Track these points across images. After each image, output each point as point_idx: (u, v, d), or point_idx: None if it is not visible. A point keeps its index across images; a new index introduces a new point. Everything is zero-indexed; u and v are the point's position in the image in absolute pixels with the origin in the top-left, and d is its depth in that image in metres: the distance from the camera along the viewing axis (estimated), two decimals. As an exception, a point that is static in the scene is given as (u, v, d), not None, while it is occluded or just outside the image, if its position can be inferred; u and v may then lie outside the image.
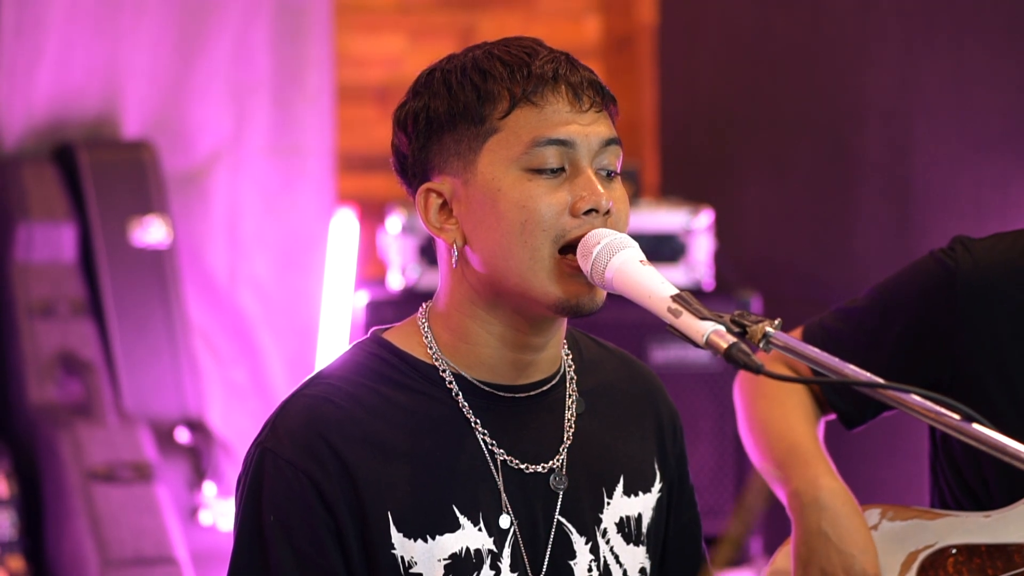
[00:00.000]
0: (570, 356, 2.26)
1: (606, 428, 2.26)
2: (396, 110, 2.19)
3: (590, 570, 2.19)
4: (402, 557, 2.10)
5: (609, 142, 2.14)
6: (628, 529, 2.24)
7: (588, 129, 2.12)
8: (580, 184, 2.11)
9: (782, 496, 2.62)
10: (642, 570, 2.25)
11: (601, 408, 2.26)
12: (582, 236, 2.10)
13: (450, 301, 2.18)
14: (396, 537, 2.09)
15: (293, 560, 2.09)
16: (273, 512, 2.09)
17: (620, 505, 2.24)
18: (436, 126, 2.14)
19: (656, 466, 2.30)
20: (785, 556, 2.68)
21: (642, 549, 2.25)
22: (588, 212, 2.10)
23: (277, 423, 2.14)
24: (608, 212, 2.11)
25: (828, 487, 2.56)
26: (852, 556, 2.52)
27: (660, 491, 2.29)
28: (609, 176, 2.14)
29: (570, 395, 2.23)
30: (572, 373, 2.25)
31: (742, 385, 2.78)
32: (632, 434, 2.28)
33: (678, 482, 2.33)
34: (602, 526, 2.21)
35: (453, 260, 2.16)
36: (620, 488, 2.24)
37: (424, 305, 2.22)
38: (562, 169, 2.12)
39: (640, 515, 2.26)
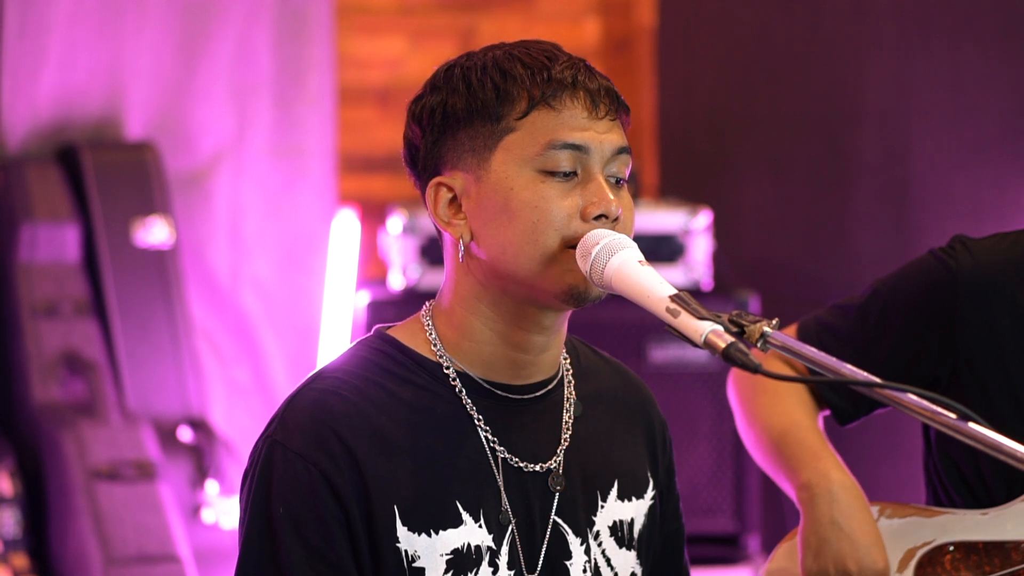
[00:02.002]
0: (568, 361, 2.28)
1: (602, 433, 2.28)
2: (411, 103, 2.21)
3: (584, 571, 2.21)
4: (406, 551, 2.11)
5: (621, 151, 2.16)
6: (621, 533, 2.26)
7: (602, 137, 2.15)
8: (591, 190, 2.13)
9: (789, 489, 2.64)
10: (632, 574, 2.27)
11: (597, 414, 2.28)
12: None
13: (454, 297, 2.20)
14: (401, 531, 2.11)
15: (303, 552, 2.09)
16: (282, 504, 2.10)
17: (614, 509, 2.26)
18: (452, 121, 2.16)
19: (649, 474, 2.32)
20: (783, 554, 2.69)
21: (633, 554, 2.27)
22: (598, 218, 2.12)
23: (286, 416, 2.15)
24: (617, 219, 2.13)
25: (839, 479, 2.58)
26: (863, 547, 2.53)
27: (652, 498, 2.31)
28: (617, 183, 2.17)
29: (568, 398, 2.25)
30: (570, 377, 2.27)
31: (738, 383, 2.79)
32: (626, 441, 2.30)
33: (666, 491, 2.35)
34: (595, 528, 2.23)
35: (460, 255, 2.18)
36: (614, 492, 2.26)
37: (428, 303, 2.24)
38: (574, 173, 2.14)
39: (632, 520, 2.28)
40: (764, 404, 2.72)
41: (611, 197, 2.13)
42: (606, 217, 2.12)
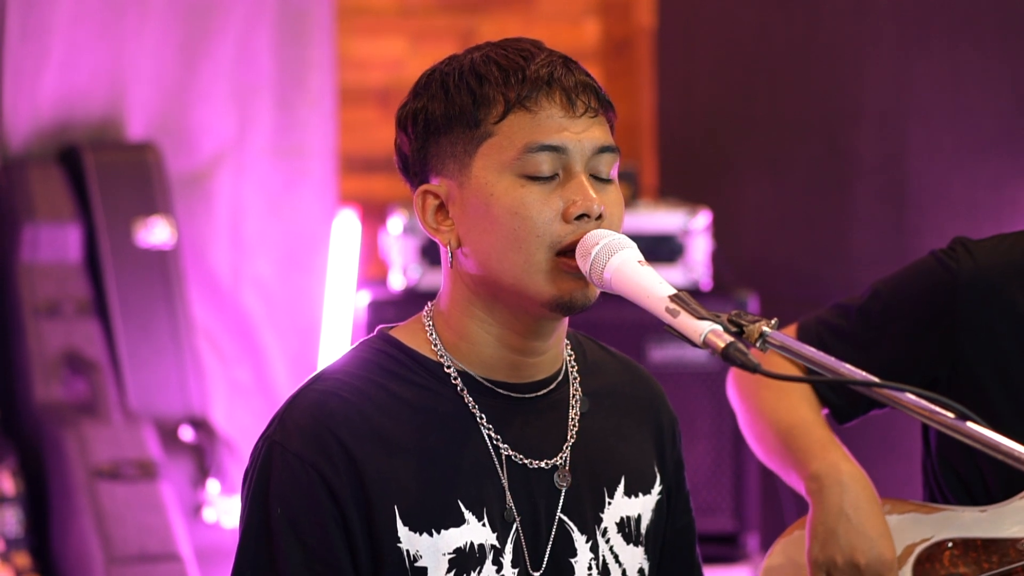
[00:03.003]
0: (572, 357, 2.27)
1: (609, 429, 2.27)
2: (398, 110, 2.21)
3: (590, 568, 2.21)
4: (408, 551, 2.11)
5: (603, 149, 2.15)
6: (628, 529, 2.26)
7: (581, 135, 2.13)
8: (572, 189, 2.12)
9: (797, 482, 2.64)
10: (640, 570, 2.27)
11: (604, 409, 2.27)
12: (576, 241, 2.11)
13: (450, 301, 2.20)
14: (402, 531, 2.11)
15: (299, 553, 2.10)
16: (280, 505, 2.10)
17: (621, 505, 2.25)
18: (433, 128, 2.16)
19: (656, 469, 2.31)
20: (781, 550, 2.70)
21: (640, 550, 2.27)
22: (580, 217, 2.11)
23: (286, 417, 2.15)
24: (600, 217, 2.11)
25: (849, 471, 2.58)
26: (872, 540, 2.53)
27: (660, 493, 2.31)
28: (604, 180, 2.15)
29: (573, 394, 2.24)
30: (575, 373, 2.26)
31: (738, 381, 2.80)
32: (633, 436, 2.29)
33: (675, 487, 2.35)
34: (603, 525, 2.23)
35: (449, 260, 2.18)
36: (621, 488, 2.26)
37: (429, 304, 2.23)
38: (555, 175, 2.13)
39: (640, 516, 2.27)
40: (768, 399, 2.73)
41: (592, 195, 2.11)
42: (588, 216, 2.11)
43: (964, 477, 2.66)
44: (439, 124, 2.15)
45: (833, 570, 2.55)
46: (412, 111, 2.18)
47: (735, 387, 2.80)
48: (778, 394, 2.73)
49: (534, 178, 2.12)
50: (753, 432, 2.75)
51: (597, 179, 2.15)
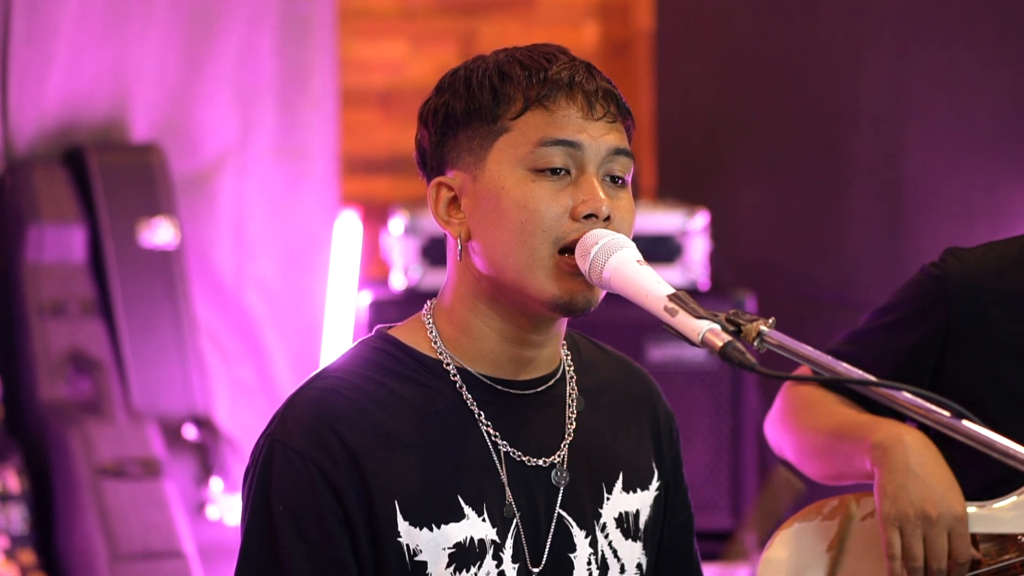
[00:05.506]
0: (569, 356, 2.29)
1: (606, 426, 2.28)
2: (421, 106, 2.23)
3: (589, 563, 2.22)
4: (407, 545, 2.12)
5: (618, 152, 2.17)
6: (627, 524, 2.27)
7: (598, 138, 2.15)
8: (583, 188, 2.14)
9: (861, 462, 2.62)
10: (638, 566, 2.28)
11: (600, 407, 2.28)
12: (579, 239, 2.12)
13: (454, 295, 2.21)
14: (402, 526, 2.12)
15: (302, 549, 2.11)
16: (282, 502, 2.12)
17: (619, 501, 2.27)
18: (452, 123, 2.18)
19: (654, 465, 2.32)
20: (780, 543, 2.71)
21: (639, 545, 2.28)
22: (588, 217, 2.13)
23: (286, 414, 2.16)
24: (608, 219, 2.13)
25: (911, 433, 2.58)
26: (941, 492, 2.53)
27: (658, 489, 2.32)
28: (617, 184, 2.18)
29: (570, 392, 2.26)
30: (572, 372, 2.28)
31: (776, 418, 2.79)
32: (630, 433, 2.31)
33: (674, 483, 2.36)
34: (601, 520, 2.24)
35: (459, 253, 2.20)
36: (620, 484, 2.27)
37: (429, 302, 2.25)
38: (567, 172, 2.14)
39: (638, 511, 2.28)
40: (806, 416, 2.72)
41: (602, 196, 2.13)
42: (596, 216, 2.13)
43: (963, 473, 2.69)
44: (458, 119, 2.17)
45: (905, 524, 2.54)
46: (434, 107, 2.21)
47: (776, 423, 2.80)
48: (813, 406, 2.74)
49: (546, 174, 2.14)
50: (804, 450, 2.75)
51: (610, 183, 2.17)
